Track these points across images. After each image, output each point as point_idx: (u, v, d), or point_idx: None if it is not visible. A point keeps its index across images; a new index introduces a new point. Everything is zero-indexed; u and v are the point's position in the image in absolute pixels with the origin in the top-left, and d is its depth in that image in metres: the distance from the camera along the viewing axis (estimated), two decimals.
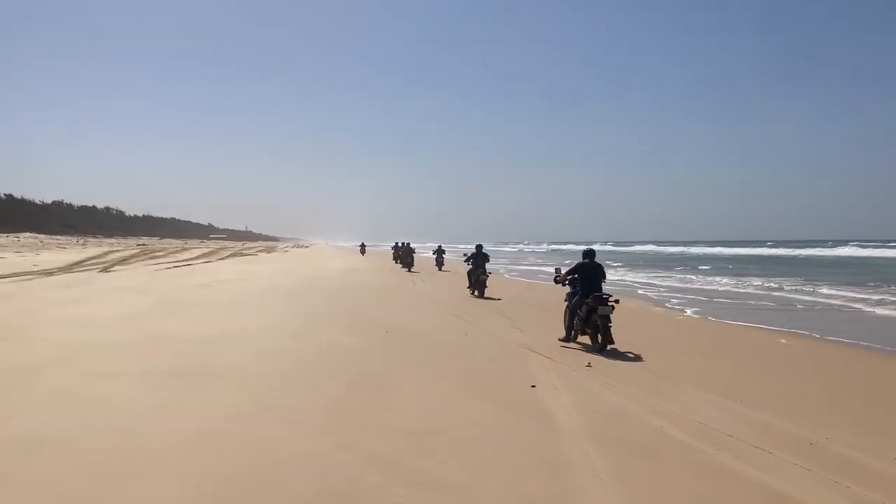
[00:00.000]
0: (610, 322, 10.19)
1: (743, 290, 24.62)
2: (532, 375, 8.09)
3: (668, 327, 14.11)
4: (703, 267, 44.17)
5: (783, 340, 11.97)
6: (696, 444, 5.53)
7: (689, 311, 17.16)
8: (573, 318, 10.81)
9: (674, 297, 21.53)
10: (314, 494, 4.23)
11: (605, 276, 10.99)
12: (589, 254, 11.13)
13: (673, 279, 32.19)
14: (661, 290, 25.33)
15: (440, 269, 34.96)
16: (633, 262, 55.58)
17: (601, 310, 10.14)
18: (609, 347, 10.15)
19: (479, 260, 19.83)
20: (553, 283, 12.22)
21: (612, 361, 9.30)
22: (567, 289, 11.54)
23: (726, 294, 23.30)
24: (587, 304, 10.32)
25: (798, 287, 25.24)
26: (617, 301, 10.37)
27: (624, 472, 4.82)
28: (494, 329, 12.27)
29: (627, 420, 6.27)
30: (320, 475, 4.56)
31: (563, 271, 11.61)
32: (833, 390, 8.10)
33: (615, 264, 47.02)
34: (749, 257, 65.10)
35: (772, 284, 26.78)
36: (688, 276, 34.21)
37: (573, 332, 10.81)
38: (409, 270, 34.70)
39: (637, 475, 4.78)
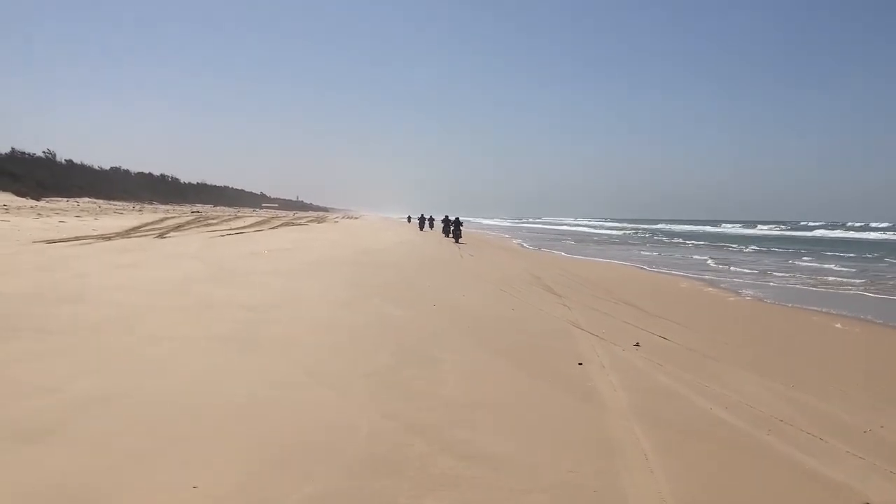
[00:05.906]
0: (461, 236, 36.92)
1: None
2: (579, 352, 8.06)
3: (719, 308, 13.87)
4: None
5: (838, 325, 11.65)
6: (745, 427, 5.46)
7: (743, 293, 16.80)
8: (444, 231, 40.68)
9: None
10: (360, 462, 4.31)
11: (461, 224, 37.43)
12: (455, 218, 38.38)
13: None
14: None
15: (457, 242, 36.08)
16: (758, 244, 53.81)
17: (454, 230, 36.81)
18: (460, 243, 34.90)
19: (456, 225, 37.14)
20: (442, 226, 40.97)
21: (661, 341, 9.20)
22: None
23: None
24: (447, 229, 40.01)
25: None
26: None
27: (671, 451, 4.79)
28: (542, 305, 12.23)
29: (675, 400, 6.22)
30: (366, 443, 4.64)
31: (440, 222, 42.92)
32: (889, 378, 7.87)
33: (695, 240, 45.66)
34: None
35: None
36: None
37: (446, 235, 39.78)
38: (422, 229, 52.43)
39: (684, 455, 4.74)
